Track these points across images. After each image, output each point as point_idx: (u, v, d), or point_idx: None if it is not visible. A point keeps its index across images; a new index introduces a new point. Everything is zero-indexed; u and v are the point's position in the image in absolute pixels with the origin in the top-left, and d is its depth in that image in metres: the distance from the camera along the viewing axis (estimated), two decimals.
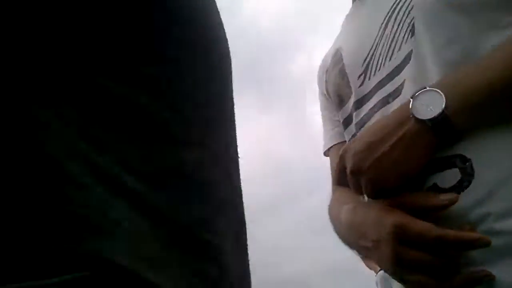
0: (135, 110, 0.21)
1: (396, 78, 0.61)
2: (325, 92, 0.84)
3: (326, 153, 0.88)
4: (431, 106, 0.52)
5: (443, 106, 0.51)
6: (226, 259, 0.23)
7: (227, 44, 0.29)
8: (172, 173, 0.21)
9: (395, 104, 0.60)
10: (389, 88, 0.62)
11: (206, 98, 0.25)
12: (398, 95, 0.60)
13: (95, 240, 0.18)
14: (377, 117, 0.63)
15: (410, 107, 0.53)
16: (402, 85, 0.60)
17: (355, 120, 0.70)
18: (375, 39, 0.66)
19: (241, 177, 0.28)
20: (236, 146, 0.28)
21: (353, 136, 0.71)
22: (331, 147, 0.85)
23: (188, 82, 0.24)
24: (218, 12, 0.29)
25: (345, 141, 0.77)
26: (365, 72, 0.67)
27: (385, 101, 0.62)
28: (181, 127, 0.22)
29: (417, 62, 0.59)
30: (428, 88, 0.53)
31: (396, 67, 0.62)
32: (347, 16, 0.83)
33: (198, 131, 0.23)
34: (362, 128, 0.67)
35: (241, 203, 0.28)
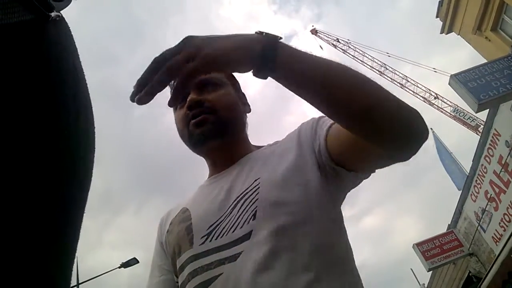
0: None
1: (234, 248, 0.85)
2: (162, 241, 1.05)
3: None
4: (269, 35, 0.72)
5: (279, 39, 0.71)
6: None
7: None
8: None
9: (228, 266, 0.82)
10: (226, 254, 0.85)
11: None
12: (234, 261, 0.83)
13: None
14: (212, 271, 0.83)
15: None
16: (239, 254, 0.83)
17: (188, 270, 0.89)
18: (223, 214, 0.91)
19: None
20: None
21: (184, 282, 0.89)
22: None
23: None
24: None
25: None
26: (207, 235, 0.90)
27: (221, 262, 0.84)
28: None
29: (255, 240, 0.83)
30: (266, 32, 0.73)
31: (235, 240, 0.86)
32: (202, 186, 1.09)
33: None
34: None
35: None
